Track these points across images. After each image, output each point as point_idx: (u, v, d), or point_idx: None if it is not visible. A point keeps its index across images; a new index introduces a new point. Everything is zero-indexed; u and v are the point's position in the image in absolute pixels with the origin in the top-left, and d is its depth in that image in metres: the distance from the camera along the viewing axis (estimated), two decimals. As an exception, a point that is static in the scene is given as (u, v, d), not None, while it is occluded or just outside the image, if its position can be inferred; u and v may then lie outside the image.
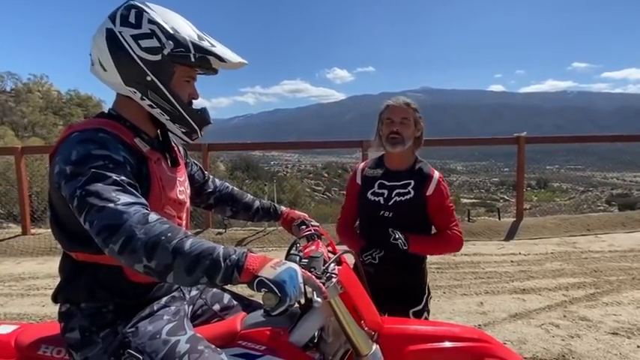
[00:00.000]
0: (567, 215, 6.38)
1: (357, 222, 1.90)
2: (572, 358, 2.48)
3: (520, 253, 4.62)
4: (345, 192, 2.01)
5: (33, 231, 5.69)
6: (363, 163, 1.91)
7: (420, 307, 1.75)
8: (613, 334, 2.74)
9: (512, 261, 4.36)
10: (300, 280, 0.89)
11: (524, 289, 3.55)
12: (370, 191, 1.77)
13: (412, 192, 1.71)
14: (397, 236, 1.64)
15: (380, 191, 1.75)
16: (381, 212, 1.73)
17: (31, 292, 3.82)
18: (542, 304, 3.24)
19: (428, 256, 1.85)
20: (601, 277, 3.80)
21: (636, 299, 3.28)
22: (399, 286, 1.70)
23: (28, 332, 1.23)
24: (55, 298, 1.13)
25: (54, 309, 3.75)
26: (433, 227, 1.81)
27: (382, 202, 1.73)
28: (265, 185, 6.44)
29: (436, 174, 1.75)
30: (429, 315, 1.81)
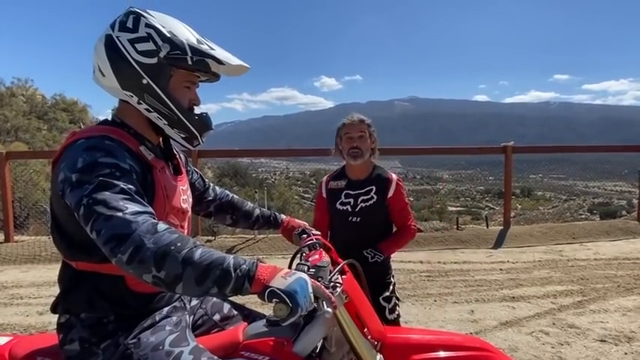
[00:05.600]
0: (553, 224, 6.51)
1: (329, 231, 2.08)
2: (563, 365, 2.52)
3: (508, 261, 4.68)
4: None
5: (16, 238, 5.54)
6: (326, 177, 2.12)
7: (389, 293, 1.97)
8: (601, 341, 2.79)
9: (501, 269, 4.42)
10: (310, 289, 0.89)
11: (513, 297, 3.60)
12: (338, 202, 1.99)
13: (375, 197, 1.94)
14: (374, 254, 1.85)
15: (347, 200, 1.97)
16: (350, 218, 1.96)
17: (15, 302, 3.71)
18: (531, 311, 3.29)
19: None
20: (587, 284, 3.88)
21: (622, 306, 3.35)
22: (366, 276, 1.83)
23: (23, 344, 1.20)
24: (55, 309, 1.11)
25: (38, 319, 3.64)
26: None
27: (350, 209, 1.96)
28: (256, 192, 6.41)
29: (394, 177, 2.00)
30: (398, 301, 2.04)
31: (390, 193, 1.96)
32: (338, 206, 1.98)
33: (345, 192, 1.98)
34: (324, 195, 2.06)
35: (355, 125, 1.95)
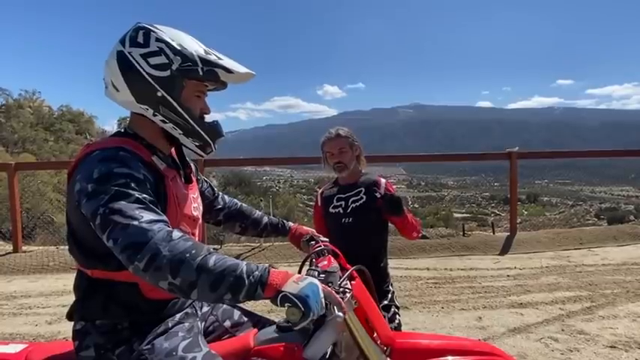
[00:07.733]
0: (560, 229, 6.47)
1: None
2: (573, 372, 2.50)
3: (516, 267, 4.65)
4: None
5: (24, 248, 5.58)
6: (322, 188, 2.22)
7: (387, 301, 1.99)
8: (611, 347, 2.77)
9: (508, 275, 4.40)
10: (322, 294, 0.91)
11: (521, 304, 3.57)
12: (331, 206, 2.08)
13: (364, 197, 2.02)
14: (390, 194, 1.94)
15: (338, 204, 2.06)
16: (342, 220, 2.02)
17: (23, 311, 3.73)
18: (539, 318, 3.27)
19: (389, 261, 2.12)
20: (596, 290, 3.85)
21: (632, 312, 3.32)
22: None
23: (38, 351, 1.22)
24: (71, 316, 1.13)
25: (47, 328, 3.66)
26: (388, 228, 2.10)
27: (341, 211, 2.04)
28: (261, 201, 6.44)
29: (382, 180, 2.09)
30: (398, 310, 2.04)
31: (382, 192, 2.03)
32: (331, 210, 2.07)
33: (337, 196, 2.08)
34: (320, 204, 2.15)
35: (333, 141, 2.03)
